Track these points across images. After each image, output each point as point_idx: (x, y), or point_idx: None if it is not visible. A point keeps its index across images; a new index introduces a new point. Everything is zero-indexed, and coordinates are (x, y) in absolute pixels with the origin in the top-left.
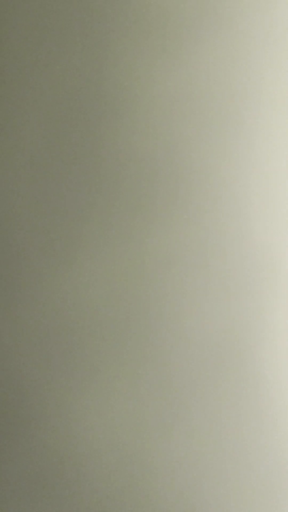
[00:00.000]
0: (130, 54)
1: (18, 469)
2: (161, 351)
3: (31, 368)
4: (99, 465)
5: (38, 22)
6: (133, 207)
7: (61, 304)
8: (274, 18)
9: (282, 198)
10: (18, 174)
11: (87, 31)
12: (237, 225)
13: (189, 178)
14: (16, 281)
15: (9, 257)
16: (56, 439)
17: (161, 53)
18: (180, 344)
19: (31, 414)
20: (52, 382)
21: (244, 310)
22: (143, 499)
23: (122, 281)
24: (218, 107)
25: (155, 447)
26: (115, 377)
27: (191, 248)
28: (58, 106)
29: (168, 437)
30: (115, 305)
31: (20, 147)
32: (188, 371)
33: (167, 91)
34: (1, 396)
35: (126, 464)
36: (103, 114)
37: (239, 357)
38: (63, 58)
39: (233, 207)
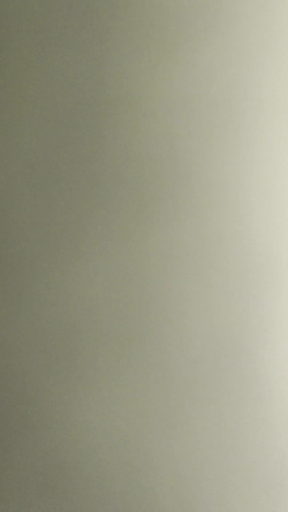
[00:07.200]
0: (131, 56)
1: (20, 470)
2: (162, 351)
3: (32, 368)
4: (101, 465)
5: (39, 24)
6: (134, 207)
7: (62, 304)
8: (274, 18)
9: (282, 198)
10: (19, 173)
11: (88, 33)
12: (238, 226)
13: (190, 179)
14: (18, 281)
15: (10, 258)
16: (58, 439)
17: (162, 55)
18: (181, 344)
19: (33, 415)
20: (53, 382)
21: (245, 310)
22: (145, 499)
23: (123, 281)
24: (219, 108)
25: (156, 447)
26: (116, 377)
27: (192, 248)
28: (59, 107)
29: (170, 437)
30: (117, 305)
31: (21, 147)
32: (189, 370)
33: (168, 93)
34: (3, 397)
35: (128, 464)
36: (104, 115)
37: (240, 357)
38: (64, 60)
39: (234, 208)
